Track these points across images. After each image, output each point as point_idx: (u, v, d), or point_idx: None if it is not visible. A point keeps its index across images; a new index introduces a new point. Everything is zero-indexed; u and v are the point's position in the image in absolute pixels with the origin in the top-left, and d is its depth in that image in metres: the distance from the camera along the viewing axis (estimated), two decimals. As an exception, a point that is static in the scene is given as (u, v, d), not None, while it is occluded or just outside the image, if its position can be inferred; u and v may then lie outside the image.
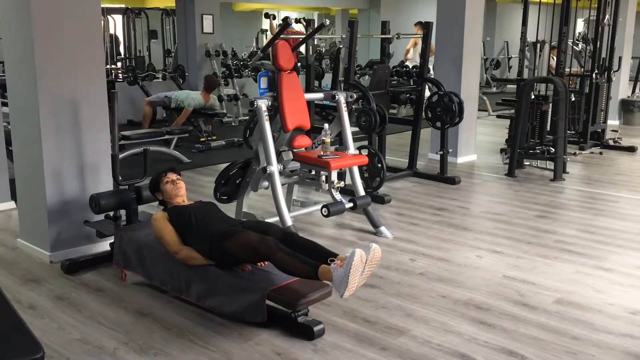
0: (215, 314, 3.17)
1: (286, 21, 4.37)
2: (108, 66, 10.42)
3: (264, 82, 4.35)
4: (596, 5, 7.69)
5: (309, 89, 5.55)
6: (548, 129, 7.00)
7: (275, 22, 10.74)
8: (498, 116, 9.40)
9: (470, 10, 6.82)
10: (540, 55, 9.15)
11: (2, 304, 2.21)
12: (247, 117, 8.24)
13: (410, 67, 10.94)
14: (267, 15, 11.06)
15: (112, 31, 11.55)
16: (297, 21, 9.87)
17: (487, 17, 11.93)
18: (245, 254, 3.06)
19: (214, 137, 8.02)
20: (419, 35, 6.39)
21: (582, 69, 8.27)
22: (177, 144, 7.24)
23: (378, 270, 3.84)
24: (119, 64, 11.78)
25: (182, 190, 3.52)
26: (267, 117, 4.12)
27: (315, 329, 2.97)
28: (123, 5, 12.27)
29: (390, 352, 2.87)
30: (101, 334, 3.02)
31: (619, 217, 5.06)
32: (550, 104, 6.78)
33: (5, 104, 4.87)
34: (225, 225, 3.28)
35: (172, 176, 3.54)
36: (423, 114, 6.31)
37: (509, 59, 15.36)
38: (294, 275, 2.96)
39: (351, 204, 4.32)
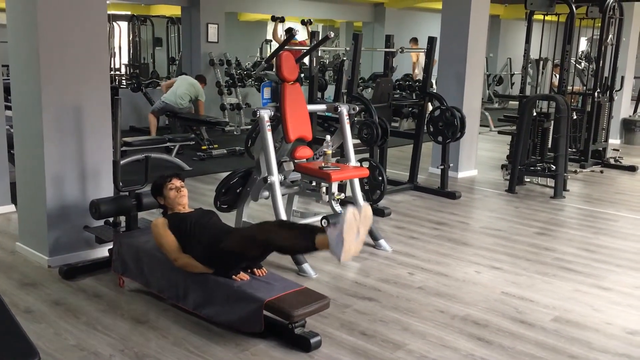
0: (212, 323, 3.17)
1: (290, 33, 4.39)
2: (112, 72, 10.46)
3: (267, 93, 4.37)
4: (600, 25, 7.73)
5: (311, 100, 5.57)
6: (549, 146, 7.01)
7: (281, 27, 10.58)
8: (499, 132, 9.42)
9: (474, 27, 6.84)
10: (542, 73, 9.18)
11: (-1, 307, 2.21)
12: (249, 127, 8.26)
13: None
14: (273, 19, 10.47)
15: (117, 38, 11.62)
16: (303, 23, 9.83)
17: (490, 33, 11.98)
18: (244, 247, 3.08)
19: (216, 146, 8.04)
20: (422, 50, 6.41)
21: (585, 88, 8.29)
22: (178, 151, 7.26)
23: (376, 284, 3.84)
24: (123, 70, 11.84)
25: (185, 198, 3.53)
26: (269, 127, 4.13)
27: (312, 340, 2.96)
28: (129, 13, 12.34)
29: (386, 366, 2.87)
30: (97, 340, 3.01)
31: (619, 236, 5.06)
32: (552, 122, 6.79)
33: (8, 108, 4.87)
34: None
35: (177, 182, 3.54)
36: (425, 128, 6.32)
37: (512, 75, 15.44)
38: (293, 253, 3.00)
39: (351, 216, 4.30)
